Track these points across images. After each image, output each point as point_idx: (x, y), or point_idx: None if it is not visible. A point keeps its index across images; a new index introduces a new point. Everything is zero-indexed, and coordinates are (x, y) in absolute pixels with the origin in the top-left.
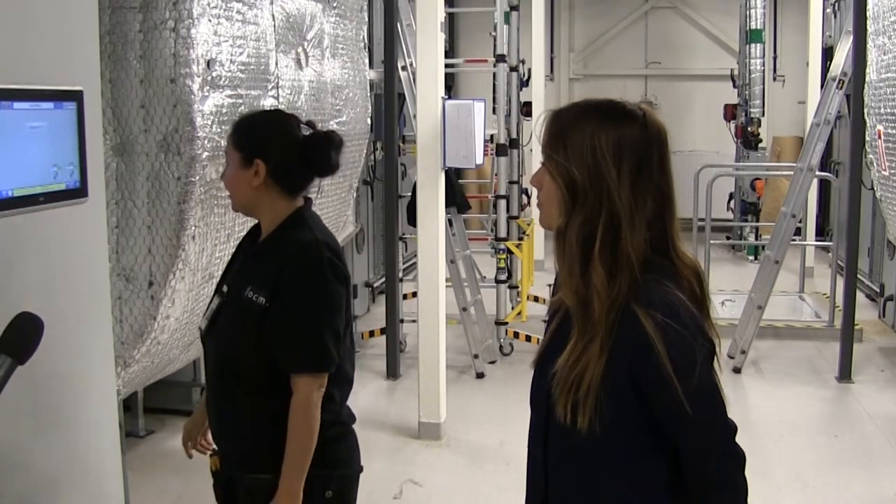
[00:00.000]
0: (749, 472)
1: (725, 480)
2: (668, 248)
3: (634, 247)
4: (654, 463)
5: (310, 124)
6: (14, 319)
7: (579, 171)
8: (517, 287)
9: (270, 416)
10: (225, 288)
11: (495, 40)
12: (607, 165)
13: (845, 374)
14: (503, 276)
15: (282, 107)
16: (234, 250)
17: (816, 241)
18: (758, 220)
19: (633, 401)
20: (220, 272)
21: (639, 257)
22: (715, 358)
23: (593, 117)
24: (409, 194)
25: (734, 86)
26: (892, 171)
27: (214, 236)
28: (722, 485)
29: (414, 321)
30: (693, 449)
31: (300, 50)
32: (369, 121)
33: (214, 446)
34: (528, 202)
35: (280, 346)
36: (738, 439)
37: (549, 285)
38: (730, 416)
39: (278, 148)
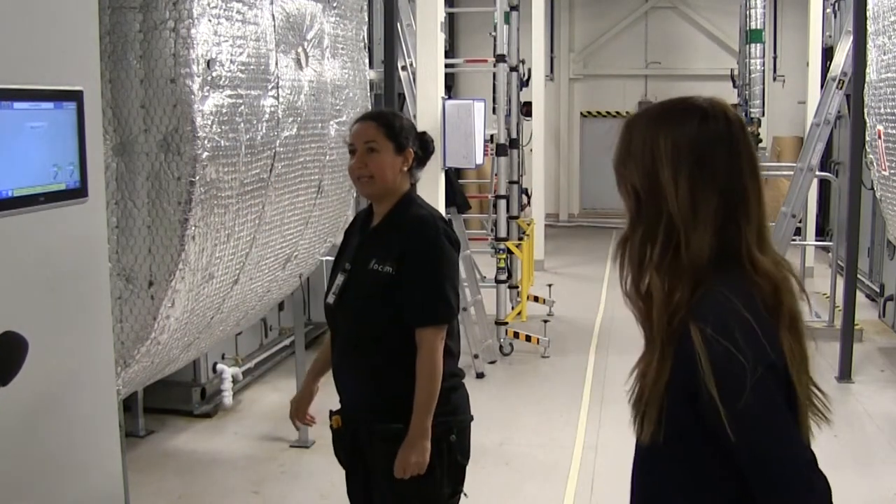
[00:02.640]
0: None
1: None
2: (741, 256)
3: (695, 254)
4: (719, 487)
5: None
6: None
7: (639, 180)
8: (517, 287)
9: (401, 371)
10: (347, 265)
11: (495, 40)
12: (664, 170)
13: (845, 374)
14: (503, 276)
15: (282, 107)
16: (344, 233)
17: (816, 241)
18: None
19: (694, 420)
20: (220, 272)
21: (700, 265)
22: (785, 380)
23: (654, 120)
24: None
25: (734, 86)
26: (892, 171)
27: (214, 236)
28: None
29: None
30: (756, 480)
31: (300, 50)
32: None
33: (332, 409)
34: (528, 202)
35: (409, 304)
36: None
37: (549, 285)
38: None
39: (417, 140)
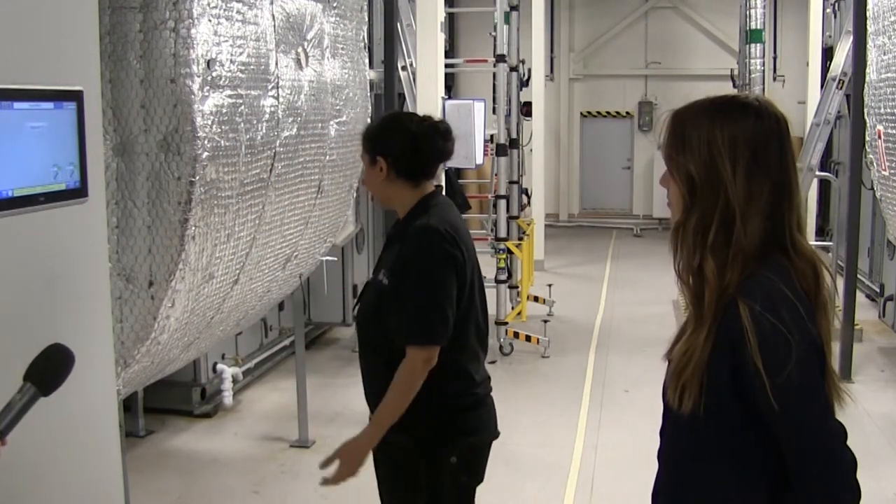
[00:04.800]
0: None
1: (828, 487)
2: (784, 240)
3: (748, 239)
4: (755, 460)
5: (425, 119)
6: (46, 349)
7: (696, 168)
8: (517, 287)
9: None
10: (371, 274)
11: (495, 40)
12: (722, 160)
13: (845, 374)
14: (503, 276)
15: (282, 107)
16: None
17: (816, 241)
18: None
19: (733, 393)
20: (220, 272)
21: (752, 249)
22: (823, 358)
23: (709, 114)
24: None
25: (734, 86)
26: (892, 171)
27: (214, 236)
28: (824, 491)
29: None
30: (791, 450)
31: (300, 50)
32: (369, 121)
33: None
34: (528, 202)
35: (392, 319)
36: None
37: (549, 285)
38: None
39: (394, 144)
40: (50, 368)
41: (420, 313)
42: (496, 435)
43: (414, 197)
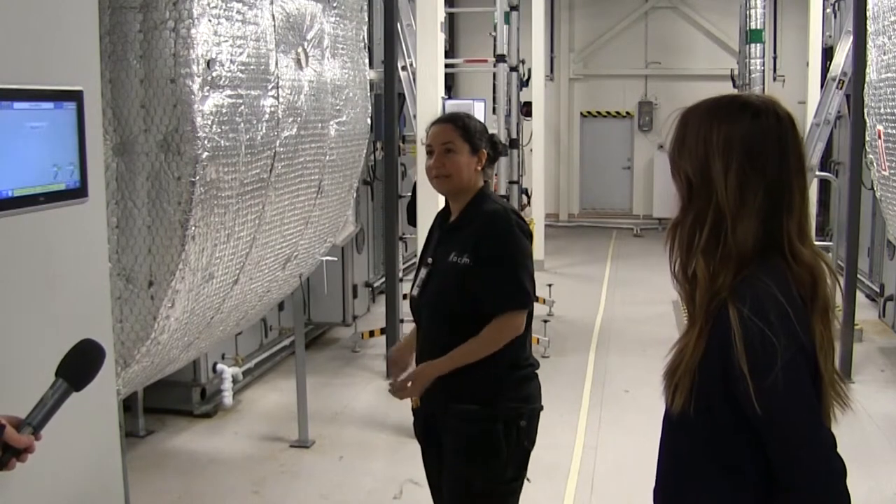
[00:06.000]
0: None
1: (815, 494)
2: (783, 246)
3: (740, 241)
4: (747, 463)
5: None
6: (77, 345)
7: (692, 168)
8: None
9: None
10: (430, 260)
11: (495, 40)
12: (715, 161)
13: (845, 373)
14: None
15: (282, 107)
16: (428, 230)
17: (816, 241)
18: None
19: (724, 396)
20: (220, 272)
21: (744, 252)
22: (813, 364)
23: (709, 113)
24: (409, 194)
25: (734, 86)
26: (892, 171)
27: (214, 236)
28: (812, 497)
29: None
30: (776, 455)
31: (300, 50)
32: (369, 121)
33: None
34: (528, 202)
35: (488, 294)
36: None
37: (549, 285)
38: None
39: (487, 142)
40: (81, 364)
41: (518, 281)
42: (542, 407)
43: (477, 188)
